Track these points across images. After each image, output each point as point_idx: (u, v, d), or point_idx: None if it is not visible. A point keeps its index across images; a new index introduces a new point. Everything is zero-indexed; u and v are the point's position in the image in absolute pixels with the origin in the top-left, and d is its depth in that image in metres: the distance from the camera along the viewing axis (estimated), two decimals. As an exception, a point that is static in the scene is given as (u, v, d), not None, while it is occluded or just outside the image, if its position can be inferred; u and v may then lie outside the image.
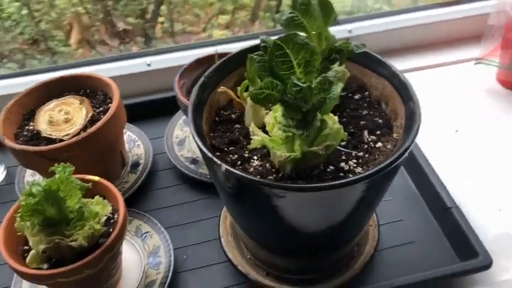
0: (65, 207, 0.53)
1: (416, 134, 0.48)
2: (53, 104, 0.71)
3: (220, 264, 0.66)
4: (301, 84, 0.42)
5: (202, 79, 0.55)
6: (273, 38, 0.43)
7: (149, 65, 0.88)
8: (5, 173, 0.79)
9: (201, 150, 0.48)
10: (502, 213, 0.71)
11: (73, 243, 0.52)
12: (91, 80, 0.75)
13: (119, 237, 0.56)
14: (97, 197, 0.57)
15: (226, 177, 0.47)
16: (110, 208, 0.56)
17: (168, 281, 0.62)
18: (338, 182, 0.44)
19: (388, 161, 0.45)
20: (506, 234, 0.69)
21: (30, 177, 0.78)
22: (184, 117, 0.84)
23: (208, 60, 0.76)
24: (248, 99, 0.53)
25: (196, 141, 0.49)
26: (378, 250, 0.65)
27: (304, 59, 0.43)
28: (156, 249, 0.66)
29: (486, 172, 0.76)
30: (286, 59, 0.43)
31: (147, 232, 0.68)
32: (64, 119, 0.69)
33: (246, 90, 0.54)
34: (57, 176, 0.52)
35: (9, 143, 0.65)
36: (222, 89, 0.55)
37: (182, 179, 0.77)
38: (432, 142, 0.78)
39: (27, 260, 0.54)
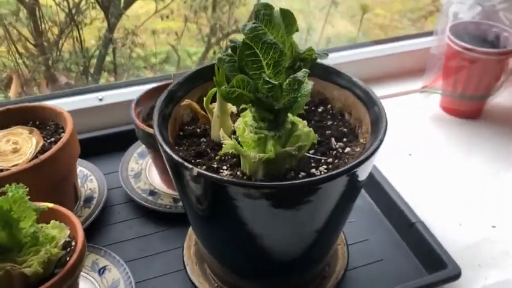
0: (18, 230, 0.48)
1: (384, 134, 0.48)
2: (1, 132, 0.67)
3: (186, 294, 0.62)
4: (273, 82, 0.42)
5: (166, 92, 0.54)
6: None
7: (101, 99, 0.86)
8: None
9: (169, 157, 0.46)
10: (462, 227, 0.73)
11: (27, 270, 0.47)
12: (41, 110, 0.71)
13: (79, 261, 0.51)
14: (53, 221, 0.53)
15: (197, 181, 0.45)
16: (68, 232, 0.52)
17: (130, 316, 0.57)
18: (314, 178, 0.43)
19: (362, 157, 0.45)
20: (468, 247, 0.70)
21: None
22: (139, 150, 0.81)
23: (164, 87, 0.74)
24: (214, 110, 0.52)
25: (163, 149, 0.47)
26: (348, 269, 0.64)
27: (273, 59, 0.44)
28: (116, 282, 0.61)
29: (442, 190, 0.78)
30: (256, 58, 0.43)
31: (105, 266, 0.63)
32: (12, 149, 0.65)
33: (212, 102, 0.53)
34: (10, 194, 0.47)
35: None
36: (186, 101, 0.54)
37: (140, 212, 0.74)
38: (389, 165, 0.80)
39: (-29, 294, 0.48)
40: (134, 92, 0.87)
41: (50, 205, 0.55)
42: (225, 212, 0.47)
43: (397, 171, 0.80)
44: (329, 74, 0.58)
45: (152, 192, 0.75)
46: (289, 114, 0.47)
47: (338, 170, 0.43)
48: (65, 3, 1.22)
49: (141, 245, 0.69)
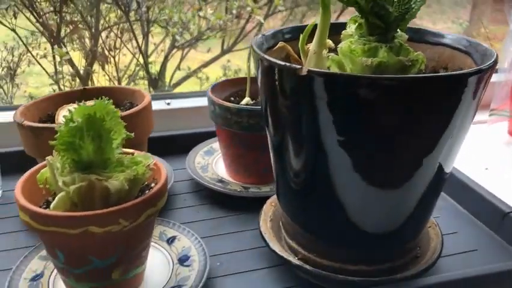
0: (108, 144, 0.45)
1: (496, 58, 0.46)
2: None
3: (261, 270, 0.56)
4: (387, -16, 0.42)
5: (258, 38, 0.53)
6: None
7: (168, 104, 0.87)
8: (0, 192, 0.69)
9: (272, 63, 0.44)
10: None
11: (112, 184, 0.44)
12: (116, 91, 0.72)
13: (162, 194, 0.47)
14: (137, 152, 0.50)
15: (304, 84, 0.42)
16: (153, 161, 0.49)
17: (205, 275, 0.51)
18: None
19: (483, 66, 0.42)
20: None
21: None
22: (205, 148, 0.79)
23: (238, 80, 0.75)
24: (311, 46, 0.51)
25: (265, 59, 0.45)
26: (442, 256, 0.57)
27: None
28: (186, 250, 0.56)
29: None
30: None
31: (174, 236, 0.58)
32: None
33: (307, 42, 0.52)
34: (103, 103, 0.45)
35: (29, 123, 0.59)
36: (280, 44, 0.53)
37: (207, 200, 0.70)
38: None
39: (52, 206, 0.44)
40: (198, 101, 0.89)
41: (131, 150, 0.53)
42: (341, 113, 0.43)
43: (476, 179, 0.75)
44: (421, 35, 0.57)
45: (221, 181, 0.71)
46: (398, 33, 0.45)
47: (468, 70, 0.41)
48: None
49: (210, 226, 0.64)
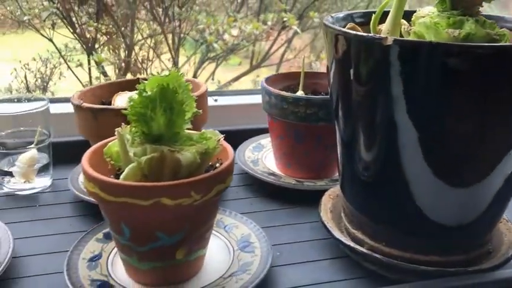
0: (180, 117, 0.44)
1: None
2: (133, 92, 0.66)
3: (322, 261, 0.54)
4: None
5: (328, 18, 0.52)
6: None
7: (216, 100, 0.86)
8: (51, 181, 0.69)
9: (350, 35, 0.43)
10: None
11: (185, 156, 0.42)
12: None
13: (231, 171, 0.46)
14: (204, 130, 0.49)
15: (387, 55, 0.40)
16: (223, 136, 0.47)
17: (270, 260, 0.49)
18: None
19: None
20: None
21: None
22: (253, 144, 0.78)
23: (293, 74, 0.74)
24: (383, 27, 0.50)
25: (339, 30, 0.44)
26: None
27: None
28: (245, 237, 0.54)
29: None
30: None
31: (231, 223, 0.56)
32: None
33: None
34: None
35: (88, 104, 0.58)
36: (350, 25, 0.52)
37: (259, 193, 0.68)
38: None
39: (122, 176, 0.42)
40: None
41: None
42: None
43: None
44: (504, 22, 0.55)
45: (273, 174, 0.69)
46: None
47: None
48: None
49: (265, 217, 0.62)
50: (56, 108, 0.79)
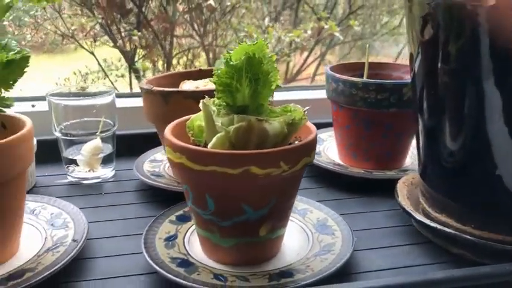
0: (263, 89, 0.43)
1: None
2: (199, 81, 0.66)
3: (403, 246, 0.51)
4: None
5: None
6: None
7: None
8: (113, 172, 0.68)
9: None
10: None
11: (272, 126, 0.41)
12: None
13: (315, 146, 0.44)
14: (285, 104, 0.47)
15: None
16: (306, 108, 0.46)
17: (353, 241, 0.47)
18: None
19: None
20: None
21: (148, 164, 0.67)
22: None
23: (353, 66, 0.73)
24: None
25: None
26: None
27: None
28: (322, 220, 0.52)
29: None
30: None
31: (305, 208, 0.55)
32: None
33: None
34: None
35: (159, 88, 0.58)
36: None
37: (323, 183, 0.66)
38: None
39: (210, 145, 0.41)
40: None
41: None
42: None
43: None
44: None
45: (338, 164, 0.68)
46: None
47: None
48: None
49: (334, 206, 0.59)
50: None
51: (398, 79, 0.71)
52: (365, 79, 0.63)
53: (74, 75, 1.77)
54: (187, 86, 0.63)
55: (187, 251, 0.47)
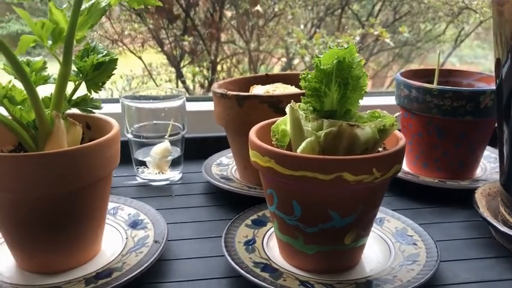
0: (352, 94, 0.42)
1: None
2: (267, 86, 0.66)
3: (486, 259, 0.49)
4: None
5: None
6: None
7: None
8: (180, 175, 0.69)
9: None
10: None
11: (364, 131, 0.40)
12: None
13: (404, 152, 0.43)
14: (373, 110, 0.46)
15: None
16: (397, 114, 0.45)
17: (438, 251, 0.46)
18: None
19: None
20: None
21: (216, 168, 0.67)
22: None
23: (423, 72, 0.71)
24: None
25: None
26: None
27: None
28: (401, 230, 0.51)
29: None
30: None
31: (381, 218, 0.54)
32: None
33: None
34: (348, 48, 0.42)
35: (233, 92, 0.58)
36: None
37: (394, 192, 0.65)
38: None
39: (299, 149, 0.41)
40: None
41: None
42: None
43: None
44: None
45: (408, 173, 0.66)
46: None
47: None
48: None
49: (408, 216, 0.58)
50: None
51: (469, 87, 0.70)
52: (440, 86, 0.61)
53: (120, 78, 1.80)
54: (257, 90, 0.63)
55: (267, 256, 0.47)
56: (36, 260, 0.44)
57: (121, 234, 0.51)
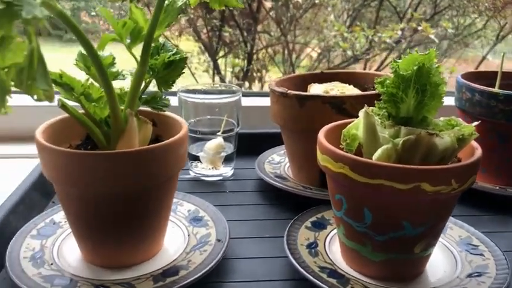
0: (431, 101, 0.41)
1: None
2: (325, 84, 0.65)
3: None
4: None
5: None
6: None
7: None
8: (232, 171, 0.69)
9: None
10: None
11: (445, 139, 0.39)
12: (355, 76, 0.69)
13: (480, 162, 0.42)
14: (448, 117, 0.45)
15: None
16: (476, 123, 0.43)
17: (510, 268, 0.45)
18: None
19: None
20: None
21: (268, 166, 0.67)
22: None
23: (483, 74, 0.69)
24: None
25: None
26: None
27: None
28: (466, 239, 0.50)
29: None
30: None
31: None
32: (340, 93, 0.61)
33: None
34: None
35: (295, 92, 0.57)
36: None
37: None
38: None
39: (374, 157, 0.40)
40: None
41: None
42: None
43: None
44: None
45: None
46: None
47: None
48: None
49: (468, 223, 0.57)
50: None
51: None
52: (506, 91, 0.60)
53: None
54: (315, 89, 0.63)
55: (332, 260, 0.46)
56: (103, 254, 0.45)
57: (182, 230, 0.51)
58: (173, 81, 0.46)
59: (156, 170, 0.42)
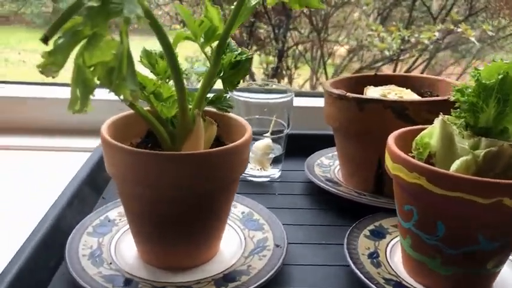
0: (510, 110, 0.39)
1: None
2: (381, 87, 0.63)
3: None
4: None
5: None
6: None
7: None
8: (280, 173, 0.68)
9: None
10: None
11: (528, 153, 0.38)
12: (410, 79, 0.67)
13: None
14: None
15: None
16: None
17: None
18: None
19: None
20: None
21: (318, 169, 0.66)
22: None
23: None
24: None
25: None
26: None
27: None
28: None
29: None
30: None
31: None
32: (398, 97, 0.59)
33: None
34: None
35: (353, 94, 0.56)
36: None
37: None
38: None
39: (452, 168, 0.39)
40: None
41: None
42: None
43: None
44: None
45: None
46: None
47: None
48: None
49: None
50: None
51: None
52: None
53: (185, 61, 1.81)
54: (372, 93, 0.61)
55: (395, 272, 0.45)
56: (162, 256, 0.44)
57: (238, 233, 0.50)
58: (238, 82, 0.45)
59: (221, 173, 0.41)
